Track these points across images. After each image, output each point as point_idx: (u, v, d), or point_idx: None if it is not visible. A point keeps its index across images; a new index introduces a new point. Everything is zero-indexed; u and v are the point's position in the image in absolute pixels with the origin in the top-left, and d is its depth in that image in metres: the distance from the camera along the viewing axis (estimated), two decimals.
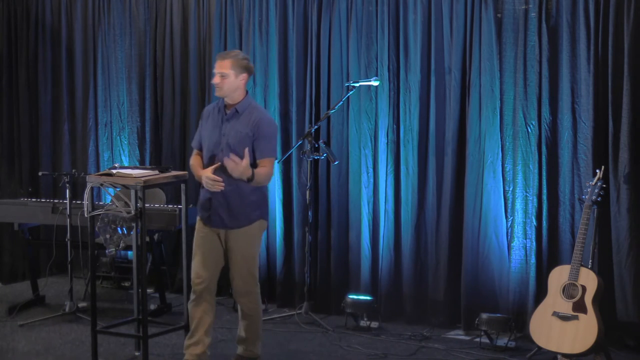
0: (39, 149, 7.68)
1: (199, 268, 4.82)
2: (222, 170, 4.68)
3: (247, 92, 4.84)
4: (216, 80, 4.75)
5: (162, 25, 7.15)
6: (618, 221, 5.42)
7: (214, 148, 4.77)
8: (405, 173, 6.14)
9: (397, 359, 5.38)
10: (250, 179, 4.63)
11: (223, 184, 4.66)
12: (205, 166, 4.81)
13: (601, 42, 5.46)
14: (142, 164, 7.15)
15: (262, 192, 4.89)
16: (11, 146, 7.78)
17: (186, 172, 5.25)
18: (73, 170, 6.51)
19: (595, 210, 5.33)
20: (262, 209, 4.87)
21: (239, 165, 4.59)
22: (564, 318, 5.03)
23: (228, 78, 4.72)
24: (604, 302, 5.23)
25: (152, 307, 6.20)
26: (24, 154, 7.74)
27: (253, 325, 4.93)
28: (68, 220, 6.07)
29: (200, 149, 4.93)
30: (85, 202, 4.94)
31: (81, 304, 6.32)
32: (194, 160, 4.93)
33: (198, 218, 4.89)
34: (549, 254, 5.68)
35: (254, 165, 4.72)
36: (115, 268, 7.14)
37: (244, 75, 4.77)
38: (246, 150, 4.63)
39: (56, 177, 6.94)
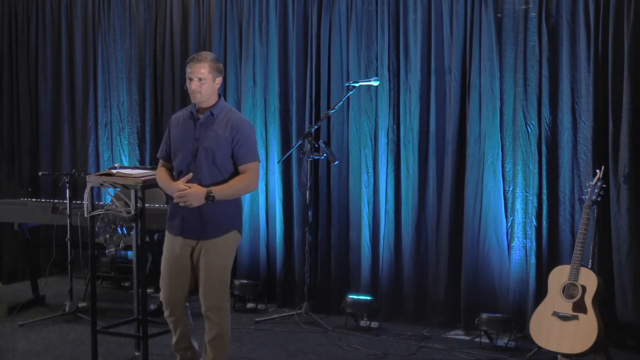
0: (39, 149, 7.69)
1: (166, 289, 4.55)
2: (195, 180, 4.40)
3: (219, 94, 4.57)
4: (194, 85, 4.43)
5: (162, 25, 7.16)
6: (618, 221, 5.42)
7: (189, 156, 4.45)
8: (405, 173, 6.14)
9: (397, 359, 5.38)
10: (211, 199, 4.31)
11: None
12: (176, 177, 4.49)
13: (601, 42, 5.46)
14: (142, 164, 7.16)
15: (237, 203, 4.55)
16: (11, 146, 7.79)
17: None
18: (73, 170, 6.51)
19: (595, 210, 5.33)
20: (237, 220, 4.56)
21: (187, 195, 4.30)
22: (564, 318, 5.03)
23: (206, 83, 4.45)
24: (604, 302, 5.23)
25: (152, 307, 6.19)
26: (24, 154, 7.75)
27: (223, 345, 4.54)
28: (68, 220, 6.06)
29: (167, 159, 4.62)
30: (85, 202, 4.93)
31: (81, 304, 6.32)
32: (162, 173, 4.59)
33: (167, 232, 4.58)
34: (549, 254, 5.69)
35: (235, 173, 4.44)
36: (115, 268, 7.14)
37: (220, 79, 4.52)
38: (189, 175, 4.35)
39: (56, 177, 6.94)
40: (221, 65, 4.58)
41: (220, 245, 4.48)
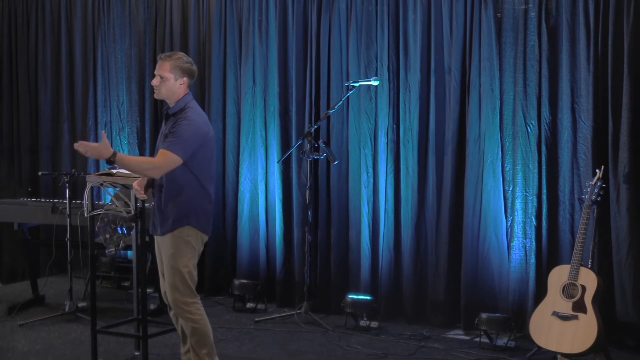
0: (39, 149, 7.69)
1: (162, 281, 4.70)
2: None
3: (187, 94, 4.56)
4: (155, 82, 4.53)
5: (162, 25, 7.16)
6: (618, 221, 5.42)
7: (156, 153, 4.56)
8: (405, 173, 6.14)
9: (397, 359, 5.38)
10: (112, 160, 4.32)
11: (143, 193, 4.62)
12: None
13: (601, 42, 5.46)
14: None
15: (189, 199, 4.49)
16: (11, 146, 7.79)
17: None
18: (73, 170, 6.51)
19: (595, 210, 5.33)
20: (191, 218, 4.50)
21: (86, 147, 4.34)
22: (564, 318, 5.03)
23: (167, 82, 4.49)
24: (604, 302, 5.24)
25: (152, 307, 6.20)
26: (24, 154, 7.75)
27: (203, 339, 4.55)
28: (68, 220, 6.06)
29: None
30: (85, 202, 4.94)
31: (81, 304, 6.33)
32: None
33: None
34: (549, 254, 5.69)
35: (183, 171, 4.44)
36: (115, 268, 7.15)
37: (185, 80, 4.52)
38: (103, 133, 4.46)
39: (56, 177, 6.95)
40: (189, 66, 4.55)
41: (168, 242, 4.51)
